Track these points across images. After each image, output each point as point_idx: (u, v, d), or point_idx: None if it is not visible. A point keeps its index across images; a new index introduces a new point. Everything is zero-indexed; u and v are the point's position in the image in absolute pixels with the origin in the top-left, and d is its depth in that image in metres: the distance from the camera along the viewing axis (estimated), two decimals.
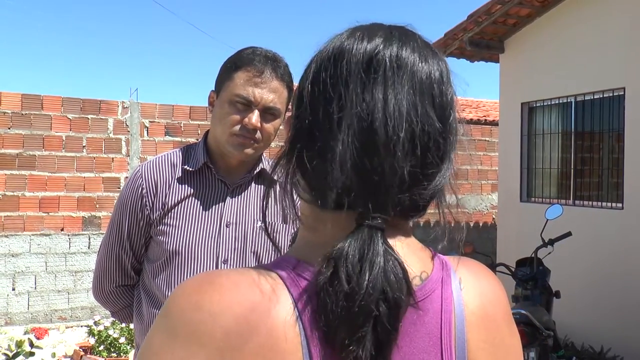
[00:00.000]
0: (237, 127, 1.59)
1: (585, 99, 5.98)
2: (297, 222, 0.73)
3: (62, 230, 6.48)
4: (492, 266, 4.46)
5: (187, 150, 1.72)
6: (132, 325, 2.04)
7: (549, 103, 6.40)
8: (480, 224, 8.89)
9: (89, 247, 6.59)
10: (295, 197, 0.71)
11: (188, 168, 1.67)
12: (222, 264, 1.64)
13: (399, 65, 0.68)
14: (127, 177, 5.25)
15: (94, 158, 6.66)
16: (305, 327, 0.62)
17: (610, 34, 5.58)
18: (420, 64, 0.69)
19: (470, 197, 8.75)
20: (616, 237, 5.46)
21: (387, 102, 0.66)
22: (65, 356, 5.39)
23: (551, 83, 6.19)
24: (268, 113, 1.60)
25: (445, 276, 0.71)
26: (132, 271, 1.75)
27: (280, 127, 1.64)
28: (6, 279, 6.27)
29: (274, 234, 1.69)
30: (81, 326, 6.36)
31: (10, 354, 3.95)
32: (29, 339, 4.07)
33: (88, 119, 6.64)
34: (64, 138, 6.51)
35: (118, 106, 6.82)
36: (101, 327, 5.21)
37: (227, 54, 1.66)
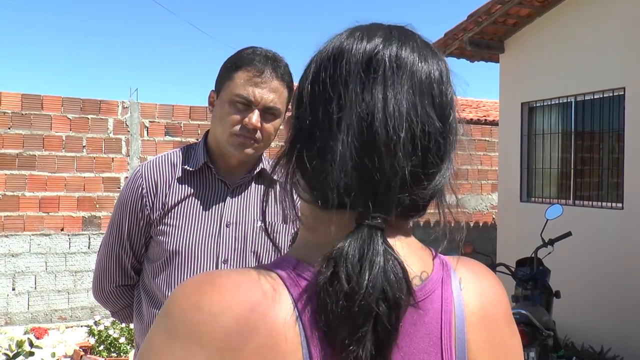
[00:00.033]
0: (237, 127, 1.59)
1: (585, 99, 5.98)
2: (297, 222, 0.73)
3: (62, 230, 6.48)
4: (492, 266, 4.46)
5: (187, 150, 1.72)
6: (132, 325, 2.04)
7: (549, 103, 6.40)
8: (480, 224, 8.89)
9: (89, 247, 6.59)
10: (295, 197, 0.71)
11: (188, 168, 1.67)
12: (222, 264, 1.64)
13: (398, 65, 0.68)
14: (127, 177, 5.25)
15: (94, 158, 6.66)
16: (305, 327, 0.62)
17: (610, 34, 5.58)
18: (419, 64, 0.69)
19: (470, 197, 8.75)
20: (616, 237, 5.46)
21: (386, 102, 0.66)
22: (65, 356, 5.39)
23: (551, 83, 6.19)
24: (268, 113, 1.60)
25: (445, 276, 0.71)
26: (132, 271, 1.75)
27: (281, 127, 1.64)
28: (6, 279, 6.27)
29: (274, 234, 1.69)
30: (81, 326, 6.36)
31: (11, 354, 3.95)
32: (28, 338, 4.06)
33: (88, 119, 6.64)
34: (64, 138, 6.51)
35: (118, 106, 6.82)
36: (101, 327, 5.21)
37: (227, 54, 1.66)
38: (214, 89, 1.69)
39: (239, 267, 1.64)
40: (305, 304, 0.63)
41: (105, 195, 6.66)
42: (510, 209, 6.78)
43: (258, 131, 1.60)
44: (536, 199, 6.56)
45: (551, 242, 4.58)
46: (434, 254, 0.74)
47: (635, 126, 5.34)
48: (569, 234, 4.63)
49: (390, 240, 0.66)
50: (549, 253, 4.58)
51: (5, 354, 4.03)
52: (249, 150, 1.62)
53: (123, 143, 6.80)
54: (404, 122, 0.65)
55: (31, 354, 3.98)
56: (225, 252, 1.64)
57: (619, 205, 5.55)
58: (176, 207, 1.64)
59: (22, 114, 6.36)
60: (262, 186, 1.71)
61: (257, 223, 1.67)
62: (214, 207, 1.66)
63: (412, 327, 0.66)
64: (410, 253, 0.69)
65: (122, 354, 5.02)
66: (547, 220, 4.68)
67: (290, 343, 0.61)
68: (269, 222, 1.65)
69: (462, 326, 0.69)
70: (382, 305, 0.61)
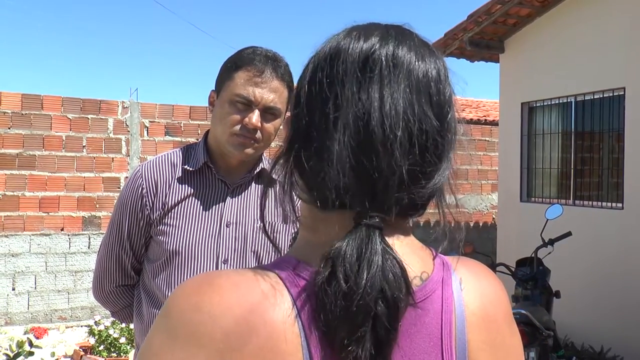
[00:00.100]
0: (238, 127, 1.59)
1: (585, 99, 5.98)
2: (297, 222, 0.73)
3: (62, 230, 6.48)
4: (492, 266, 4.46)
5: (187, 150, 1.72)
6: (132, 325, 2.04)
7: (549, 103, 6.39)
8: (480, 224, 8.89)
9: (89, 247, 6.59)
10: (295, 197, 0.71)
11: (188, 168, 1.66)
12: (222, 264, 1.64)
13: (395, 64, 0.68)
14: (127, 177, 5.25)
15: (94, 158, 6.66)
16: (305, 327, 0.62)
17: (610, 34, 5.58)
18: (416, 63, 0.69)
19: (470, 197, 8.75)
20: (616, 237, 5.46)
21: (383, 101, 0.65)
22: (65, 356, 5.39)
23: (551, 83, 6.19)
24: (268, 113, 1.60)
25: (445, 276, 0.70)
26: (132, 271, 1.75)
27: (281, 127, 1.64)
28: (6, 279, 6.27)
29: (275, 234, 1.69)
30: (81, 326, 6.36)
31: (11, 354, 3.95)
32: (28, 338, 4.06)
33: (88, 118, 6.64)
34: (64, 138, 6.51)
35: (118, 106, 6.82)
36: (101, 327, 5.21)
37: (227, 54, 1.66)
38: (214, 88, 1.69)
39: (239, 267, 1.64)
40: (304, 304, 0.63)
41: (105, 195, 6.66)
42: (510, 209, 6.78)
43: (258, 131, 1.60)
44: (536, 199, 6.56)
45: (551, 242, 4.58)
46: (434, 254, 0.73)
47: (635, 126, 5.34)
48: (569, 234, 4.63)
49: (389, 240, 0.66)
50: (549, 253, 4.58)
51: (6, 354, 4.03)
52: (249, 150, 1.62)
53: (123, 143, 6.80)
54: (400, 121, 0.65)
55: (31, 353, 3.98)
56: (225, 252, 1.64)
57: (619, 205, 5.55)
58: (176, 207, 1.64)
59: (22, 114, 6.36)
60: (263, 186, 1.71)
61: (257, 223, 1.67)
62: (214, 207, 1.65)
63: (413, 327, 0.66)
64: (410, 253, 0.69)
65: (122, 354, 5.02)
66: (547, 220, 4.68)
67: (290, 344, 0.61)
68: (269, 222, 1.65)
69: (462, 327, 0.69)
70: (380, 304, 0.61)
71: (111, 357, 5.00)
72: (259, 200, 1.69)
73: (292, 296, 0.63)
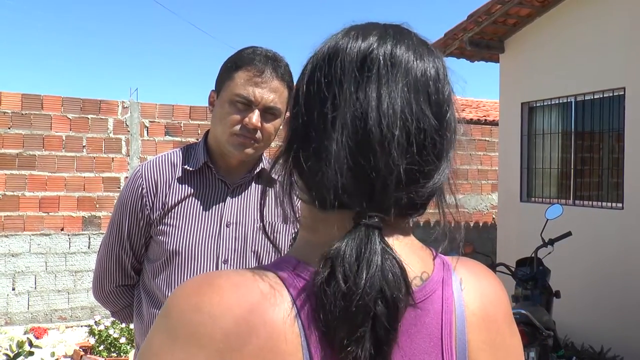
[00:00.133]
0: (238, 127, 1.59)
1: (585, 99, 5.98)
2: (297, 222, 0.73)
3: (62, 230, 6.48)
4: (492, 266, 4.46)
5: (187, 150, 1.72)
6: (132, 325, 2.04)
7: (549, 103, 6.40)
8: (480, 224, 8.89)
9: (89, 247, 6.59)
10: (294, 197, 0.71)
11: (188, 168, 1.66)
12: (222, 264, 1.64)
13: (393, 63, 0.67)
14: (127, 177, 5.25)
15: (94, 158, 6.66)
16: (305, 327, 0.62)
17: (610, 34, 5.58)
18: (415, 62, 0.69)
19: (470, 197, 8.75)
20: (616, 237, 5.46)
21: (380, 101, 0.65)
22: (65, 356, 5.39)
23: (551, 83, 6.19)
24: (268, 113, 1.60)
25: (446, 277, 0.70)
26: (132, 271, 1.75)
27: (281, 127, 1.64)
28: (6, 279, 6.27)
29: (275, 234, 1.69)
30: (81, 326, 6.36)
31: (11, 354, 3.95)
32: (28, 338, 4.06)
33: (88, 118, 6.64)
34: (64, 138, 6.51)
35: (118, 106, 6.82)
36: (101, 327, 5.21)
37: (227, 54, 1.66)
38: (214, 88, 1.69)
39: (239, 267, 1.64)
40: (304, 304, 0.63)
41: (105, 195, 6.66)
42: (510, 209, 6.78)
43: (258, 131, 1.59)
44: (536, 199, 6.56)
45: (551, 242, 4.58)
46: (435, 254, 0.73)
47: (635, 126, 5.34)
48: (569, 234, 4.63)
49: (389, 240, 0.66)
50: (549, 253, 4.58)
51: (6, 354, 4.03)
52: (249, 150, 1.62)
53: (123, 143, 6.80)
54: (398, 120, 0.65)
55: (31, 353, 3.98)
56: (225, 252, 1.64)
57: (619, 205, 5.55)
58: (176, 207, 1.63)
59: (22, 114, 6.36)
60: (262, 186, 1.71)
61: (257, 223, 1.67)
62: (214, 207, 1.65)
63: (413, 327, 0.66)
64: (410, 253, 0.69)
65: (122, 354, 5.02)
66: (547, 220, 4.68)
67: (290, 344, 0.61)
68: (269, 222, 1.65)
69: (462, 327, 0.69)
70: (380, 305, 0.61)
71: (111, 357, 5.00)
72: (260, 201, 1.69)
73: (292, 296, 0.63)
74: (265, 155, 1.78)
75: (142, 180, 1.66)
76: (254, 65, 1.58)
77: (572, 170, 6.20)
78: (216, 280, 0.65)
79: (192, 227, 1.63)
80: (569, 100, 6.16)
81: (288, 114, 0.75)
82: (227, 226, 1.65)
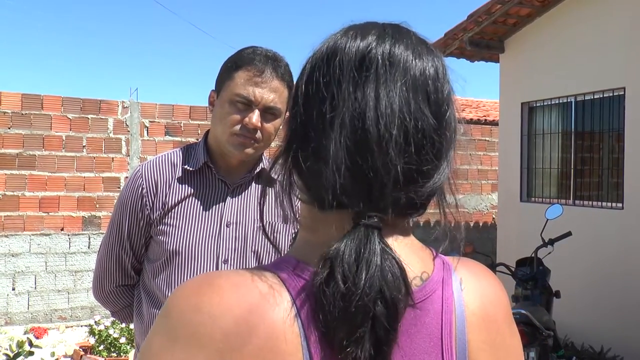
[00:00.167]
0: (238, 127, 1.58)
1: (585, 99, 5.98)
2: (296, 222, 0.73)
3: (62, 230, 6.48)
4: (492, 266, 4.46)
5: (187, 150, 1.72)
6: (132, 325, 2.04)
7: (549, 103, 6.40)
8: (480, 224, 8.89)
9: (89, 247, 6.59)
10: (294, 198, 0.71)
11: (188, 168, 1.66)
12: (223, 264, 1.63)
13: (391, 62, 0.67)
14: (127, 177, 5.25)
15: (94, 158, 6.66)
16: (305, 327, 0.62)
17: (610, 34, 5.58)
18: (413, 61, 0.68)
19: (470, 197, 8.75)
20: (616, 237, 5.46)
21: (378, 100, 0.65)
22: (65, 356, 5.39)
23: (551, 83, 6.19)
24: (268, 113, 1.60)
25: (446, 277, 0.70)
26: (132, 271, 1.75)
27: (281, 127, 1.64)
28: (6, 278, 6.27)
29: (275, 234, 1.69)
30: (81, 326, 6.36)
31: (11, 354, 3.95)
32: (28, 338, 4.06)
33: (88, 118, 6.64)
34: (64, 138, 6.51)
35: (118, 106, 6.82)
36: (101, 327, 5.21)
37: (227, 54, 1.66)
38: (214, 88, 1.69)
39: (239, 267, 1.63)
40: (304, 304, 0.63)
41: (105, 195, 6.66)
42: (510, 209, 6.78)
43: (258, 131, 1.59)
44: (536, 199, 6.56)
45: (551, 242, 4.58)
46: (435, 254, 0.73)
47: (635, 126, 5.34)
48: (569, 234, 4.63)
49: (389, 240, 0.66)
50: (549, 253, 4.58)
51: (6, 354, 4.03)
52: (249, 150, 1.61)
53: (123, 143, 6.80)
54: (395, 120, 0.65)
55: (31, 353, 3.98)
56: (225, 252, 1.64)
57: (619, 205, 5.55)
58: (176, 207, 1.63)
59: (22, 114, 6.36)
60: (262, 186, 1.71)
61: (257, 223, 1.67)
62: (214, 207, 1.65)
63: (413, 327, 0.66)
64: (410, 253, 0.69)
65: (122, 354, 5.02)
66: (547, 220, 4.68)
67: (290, 344, 0.61)
68: (269, 222, 1.65)
69: (462, 327, 0.69)
70: (379, 305, 0.60)
71: (111, 357, 5.00)
72: (259, 201, 1.69)
73: (291, 296, 0.63)
74: (265, 155, 1.78)
75: (142, 180, 1.66)
76: (254, 65, 1.58)
77: (572, 170, 6.20)
78: (216, 280, 0.65)
79: (192, 227, 1.63)
80: (569, 100, 6.16)
81: (288, 113, 0.75)
82: (227, 226, 1.65)
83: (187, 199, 1.64)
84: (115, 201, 1.77)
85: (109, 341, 5.05)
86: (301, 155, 0.68)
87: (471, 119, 9.78)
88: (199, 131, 7.09)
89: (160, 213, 1.63)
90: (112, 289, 1.78)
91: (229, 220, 1.65)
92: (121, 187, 6.06)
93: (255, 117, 1.57)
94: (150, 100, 8.70)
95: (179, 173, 1.66)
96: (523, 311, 3.85)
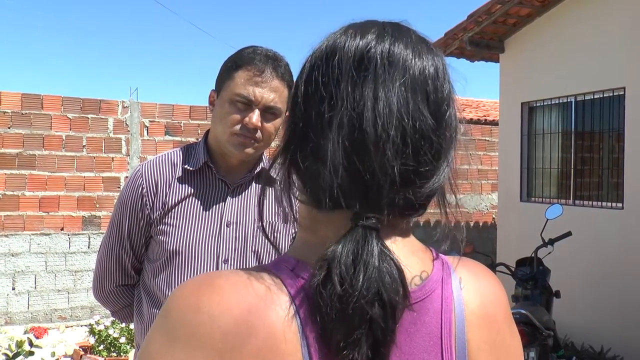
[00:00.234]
0: (238, 127, 1.58)
1: (585, 99, 5.98)
2: (295, 223, 0.72)
3: (62, 229, 6.48)
4: (492, 266, 4.46)
5: (188, 150, 1.72)
6: (132, 325, 2.04)
7: (549, 103, 6.39)
8: (480, 224, 8.89)
9: (89, 247, 6.59)
10: (293, 197, 0.71)
11: (188, 167, 1.66)
12: (223, 264, 1.63)
13: (390, 61, 0.67)
14: (127, 177, 5.25)
15: (94, 158, 6.66)
16: (304, 327, 0.62)
17: (610, 34, 5.57)
18: (413, 60, 0.68)
19: (470, 197, 8.75)
20: (616, 237, 5.46)
21: (377, 100, 0.65)
22: (65, 356, 5.39)
23: (551, 83, 6.19)
24: (269, 112, 1.60)
25: (445, 276, 0.70)
26: (133, 271, 1.75)
27: (281, 127, 1.64)
28: (6, 278, 6.27)
29: (275, 234, 1.69)
30: (81, 326, 6.36)
31: (11, 354, 3.95)
32: (28, 338, 4.06)
33: (88, 118, 6.64)
34: (64, 138, 6.51)
35: (118, 106, 6.82)
36: (101, 327, 5.21)
37: (227, 54, 1.66)
38: (214, 88, 1.69)
39: (239, 267, 1.63)
40: (302, 304, 0.62)
41: (105, 195, 6.66)
42: (510, 209, 6.78)
43: (258, 131, 1.59)
44: (536, 198, 6.56)
45: (551, 242, 4.58)
46: (434, 254, 0.73)
47: (635, 126, 5.34)
48: (569, 233, 4.63)
49: (388, 241, 0.65)
50: (549, 253, 4.58)
51: (5, 354, 4.03)
52: (250, 150, 1.61)
53: (123, 143, 6.80)
54: (393, 120, 0.64)
55: (31, 353, 3.98)
56: (225, 252, 1.64)
57: (619, 205, 5.55)
58: (176, 207, 1.63)
59: (22, 114, 6.36)
60: (261, 186, 1.71)
61: (257, 223, 1.67)
62: (214, 206, 1.65)
63: (412, 326, 0.66)
64: (409, 254, 0.69)
65: (122, 353, 5.02)
66: (547, 220, 4.67)
67: (290, 344, 0.61)
68: (269, 222, 1.65)
69: (462, 325, 0.69)
70: (376, 307, 0.60)
71: (111, 357, 5.00)
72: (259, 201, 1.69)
73: (290, 296, 0.63)
74: (265, 154, 1.78)
75: (142, 179, 1.66)
76: (254, 65, 1.58)
77: (572, 170, 6.20)
78: (215, 280, 0.65)
79: (192, 227, 1.63)
80: (569, 100, 6.16)
81: (287, 113, 0.74)
82: (227, 226, 1.65)
83: (187, 199, 1.64)
84: (115, 201, 1.77)
85: (109, 341, 5.05)
86: (299, 155, 0.68)
87: (471, 119, 9.77)
88: (199, 131, 7.09)
89: (161, 213, 1.63)
90: (112, 289, 1.78)
91: (229, 220, 1.65)
92: (121, 187, 6.07)
93: (255, 116, 1.57)
94: (150, 100, 8.70)
95: (179, 173, 1.66)
96: (523, 311, 3.85)
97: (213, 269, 1.61)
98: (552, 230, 4.72)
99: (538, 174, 6.61)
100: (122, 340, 5.04)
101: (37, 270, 6.38)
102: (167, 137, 7.01)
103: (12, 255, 6.29)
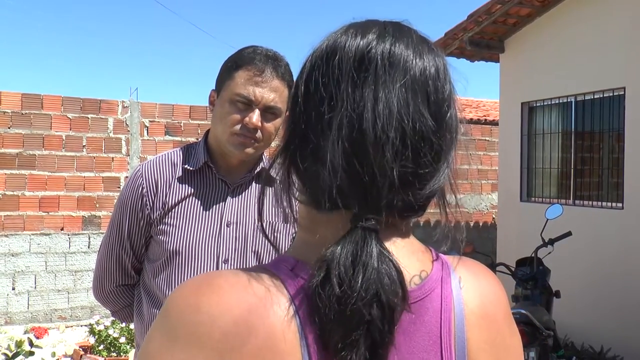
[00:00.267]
0: (238, 127, 1.58)
1: (585, 98, 5.98)
2: (295, 223, 0.72)
3: (62, 229, 6.48)
4: (492, 266, 4.46)
5: (188, 150, 1.72)
6: (132, 325, 2.04)
7: (549, 103, 6.39)
8: (480, 224, 8.89)
9: (89, 247, 6.59)
10: (293, 198, 0.71)
11: (188, 167, 1.66)
12: (223, 264, 1.63)
13: (391, 61, 0.66)
14: (127, 177, 5.25)
15: (94, 158, 6.66)
16: (303, 327, 0.62)
17: (610, 34, 5.57)
18: (414, 60, 0.67)
19: (470, 197, 8.75)
20: (616, 237, 5.46)
21: (377, 101, 0.64)
22: (65, 356, 5.39)
23: (551, 83, 6.19)
24: (269, 112, 1.60)
25: (444, 275, 0.70)
26: (133, 271, 1.75)
27: (281, 127, 1.64)
28: (6, 278, 6.27)
29: (275, 234, 1.69)
30: (81, 326, 6.36)
31: (10, 354, 3.95)
32: (28, 338, 4.06)
33: (88, 118, 6.64)
34: (64, 137, 6.51)
35: (118, 105, 6.82)
36: (101, 327, 5.21)
37: (228, 54, 1.66)
38: (214, 88, 1.69)
39: (239, 267, 1.63)
40: (302, 304, 0.62)
41: (105, 194, 6.66)
42: (510, 208, 6.78)
43: (258, 130, 1.59)
44: (536, 198, 6.56)
45: (551, 242, 4.58)
46: (434, 254, 0.73)
47: (635, 126, 5.34)
48: (569, 233, 4.63)
49: (387, 242, 0.65)
50: (549, 253, 4.58)
51: (5, 354, 4.03)
52: (250, 150, 1.61)
53: (123, 143, 6.80)
54: (393, 121, 0.64)
55: (31, 353, 3.98)
56: (225, 252, 1.64)
57: (619, 205, 5.55)
58: (176, 207, 1.63)
59: (22, 114, 6.36)
60: (261, 186, 1.71)
61: (257, 223, 1.67)
62: (214, 206, 1.65)
63: (412, 325, 0.66)
64: (409, 254, 0.69)
65: (122, 353, 5.02)
66: (547, 220, 4.67)
67: (289, 343, 0.61)
68: (269, 222, 1.65)
69: (461, 325, 0.68)
70: (375, 309, 0.60)
71: (111, 356, 5.00)
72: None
73: (290, 296, 0.63)
74: (265, 154, 1.78)
75: (143, 179, 1.66)
76: (254, 65, 1.58)
77: (572, 170, 6.20)
78: (215, 280, 0.65)
79: (192, 227, 1.63)
80: (569, 100, 6.16)
81: (287, 113, 0.74)
82: (227, 226, 1.65)
83: (188, 199, 1.64)
84: (115, 201, 1.77)
85: (109, 341, 5.05)
86: (299, 155, 0.68)
87: (471, 119, 9.77)
88: (199, 131, 7.09)
89: (161, 213, 1.63)
90: (112, 289, 1.78)
91: (229, 220, 1.65)
92: (121, 187, 6.07)
93: (255, 116, 1.57)
94: (150, 100, 8.70)
95: (179, 173, 1.66)
96: (523, 311, 3.85)
97: (213, 269, 1.61)
98: (552, 230, 4.72)
99: (538, 174, 6.61)
100: (122, 340, 5.04)
101: (37, 270, 6.38)
102: (167, 137, 7.01)
103: (12, 255, 6.29)
